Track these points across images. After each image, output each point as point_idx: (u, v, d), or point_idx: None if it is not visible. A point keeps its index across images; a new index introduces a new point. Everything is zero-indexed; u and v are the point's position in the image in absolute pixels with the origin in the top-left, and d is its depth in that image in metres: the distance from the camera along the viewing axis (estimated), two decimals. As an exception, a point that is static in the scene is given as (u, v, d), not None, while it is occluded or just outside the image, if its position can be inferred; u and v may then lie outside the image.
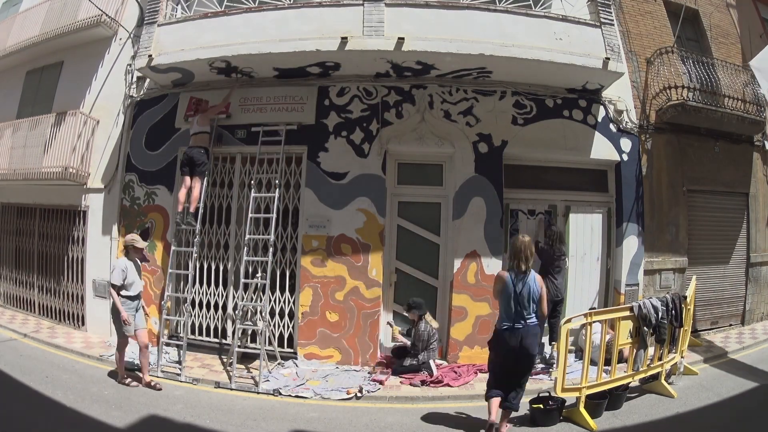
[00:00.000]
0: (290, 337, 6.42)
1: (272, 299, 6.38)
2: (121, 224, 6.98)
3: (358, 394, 5.16)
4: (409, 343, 5.86)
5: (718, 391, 5.26)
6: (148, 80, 7.19)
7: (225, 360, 6.17)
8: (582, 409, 4.44)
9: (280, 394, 5.20)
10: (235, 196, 6.74)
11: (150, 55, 6.33)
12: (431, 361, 5.74)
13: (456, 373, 5.78)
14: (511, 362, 4.07)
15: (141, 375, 5.34)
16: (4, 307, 8.52)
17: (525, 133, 6.58)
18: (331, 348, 6.10)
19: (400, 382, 5.56)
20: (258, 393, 5.24)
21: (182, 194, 6.26)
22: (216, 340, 6.58)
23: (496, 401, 4.11)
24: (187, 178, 6.29)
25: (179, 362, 5.82)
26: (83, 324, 7.33)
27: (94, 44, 7.81)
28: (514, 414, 4.64)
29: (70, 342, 6.66)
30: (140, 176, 7.00)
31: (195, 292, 6.70)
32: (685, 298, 5.52)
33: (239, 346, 5.86)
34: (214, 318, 6.64)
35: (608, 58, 5.99)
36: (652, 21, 7.67)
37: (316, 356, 6.16)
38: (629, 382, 5.00)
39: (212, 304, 6.66)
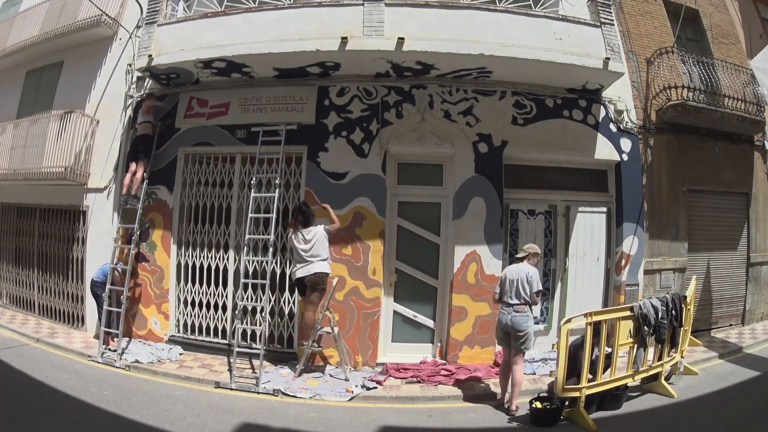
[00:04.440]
0: (290, 337, 6.42)
1: (272, 299, 6.38)
2: (121, 224, 6.96)
3: (351, 396, 5.16)
4: None
5: (717, 390, 5.26)
6: (148, 80, 7.18)
7: (225, 360, 6.17)
8: (582, 409, 4.44)
9: (281, 393, 5.20)
10: (235, 196, 6.74)
11: (150, 55, 6.33)
12: None
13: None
14: None
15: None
16: (4, 307, 8.52)
17: (525, 133, 6.58)
18: (331, 348, 6.10)
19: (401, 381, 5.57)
20: (258, 393, 5.23)
21: (127, 179, 6.68)
22: (216, 340, 6.58)
23: None
24: (133, 164, 6.65)
25: (179, 362, 5.83)
26: (83, 324, 7.33)
27: (94, 44, 7.81)
28: (514, 414, 4.67)
29: (70, 342, 6.67)
30: (140, 176, 7.00)
31: (195, 292, 6.71)
32: (685, 298, 5.52)
33: (239, 346, 5.85)
34: (213, 318, 6.64)
35: (608, 58, 5.98)
36: (652, 21, 7.67)
37: (316, 356, 6.15)
38: (629, 382, 4.99)
39: (212, 304, 6.66)
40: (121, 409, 4.53)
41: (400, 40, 5.66)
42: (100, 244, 7.12)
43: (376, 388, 5.35)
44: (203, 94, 6.88)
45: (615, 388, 4.77)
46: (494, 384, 5.50)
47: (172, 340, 6.63)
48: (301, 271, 5.72)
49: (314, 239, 5.68)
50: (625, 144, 6.90)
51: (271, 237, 6.06)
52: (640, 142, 7.05)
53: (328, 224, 5.86)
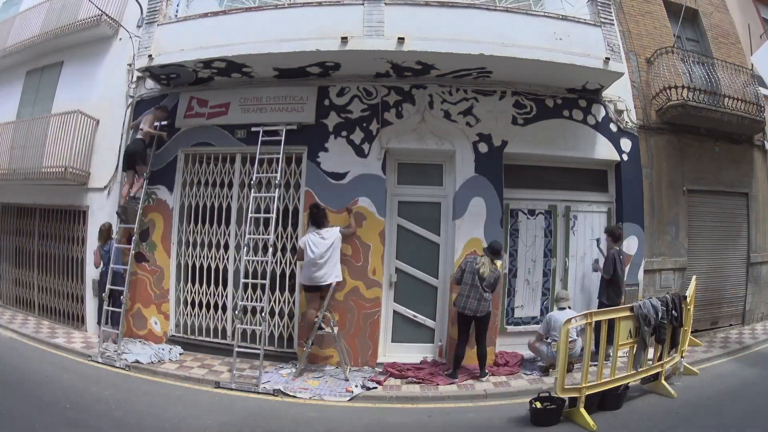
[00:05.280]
0: (290, 337, 6.42)
1: (272, 299, 6.38)
2: (121, 224, 6.96)
3: (351, 396, 5.17)
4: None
5: (717, 390, 5.26)
6: (148, 80, 7.18)
7: (225, 360, 6.16)
8: (582, 409, 4.44)
9: (281, 393, 5.20)
10: (235, 196, 6.73)
11: (150, 55, 6.33)
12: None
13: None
14: None
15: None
16: (4, 307, 8.51)
17: (525, 133, 6.58)
18: (331, 348, 6.10)
19: (401, 382, 5.58)
20: (258, 393, 5.23)
21: (125, 191, 6.73)
22: (216, 340, 6.57)
23: None
24: (129, 173, 6.75)
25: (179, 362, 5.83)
26: (83, 324, 7.33)
27: (95, 44, 7.82)
28: (514, 414, 4.66)
29: (70, 342, 6.66)
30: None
31: (195, 292, 6.71)
32: (685, 297, 5.52)
33: (239, 346, 5.85)
34: (213, 318, 6.64)
35: (608, 58, 5.99)
36: (652, 21, 7.68)
37: (316, 356, 6.16)
38: (629, 382, 4.99)
39: (212, 304, 6.65)
40: (121, 409, 4.53)
41: (400, 40, 5.66)
42: (100, 244, 7.13)
43: (376, 388, 5.36)
44: (203, 94, 6.88)
45: (615, 387, 4.77)
46: (494, 383, 5.50)
47: (172, 340, 6.63)
48: (322, 277, 5.71)
49: (332, 244, 5.74)
50: (625, 144, 6.91)
51: (271, 237, 6.06)
52: (640, 142, 7.05)
53: (345, 228, 5.99)
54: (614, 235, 6.26)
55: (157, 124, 6.78)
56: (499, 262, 5.80)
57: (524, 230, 6.79)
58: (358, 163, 6.40)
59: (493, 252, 5.74)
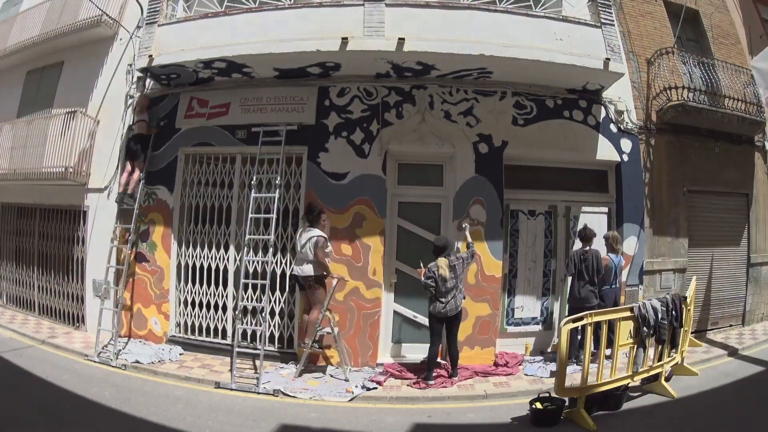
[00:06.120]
0: (290, 337, 6.42)
1: (272, 299, 6.38)
2: (119, 224, 6.96)
3: (352, 397, 5.17)
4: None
5: (717, 390, 5.26)
6: (149, 80, 7.18)
7: (225, 360, 6.16)
8: (582, 409, 4.44)
9: (281, 394, 5.20)
10: (235, 196, 6.73)
11: (150, 56, 6.33)
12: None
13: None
14: None
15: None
16: (4, 307, 8.52)
17: (525, 134, 6.58)
18: (332, 348, 6.09)
19: (408, 385, 5.57)
20: (258, 393, 5.23)
21: (124, 177, 6.77)
22: (216, 340, 6.57)
23: None
24: (128, 163, 6.79)
25: (179, 362, 5.83)
26: (83, 324, 7.33)
27: (95, 44, 7.81)
28: (514, 414, 4.67)
29: (71, 342, 6.66)
30: (140, 176, 7.00)
31: (195, 293, 6.71)
32: (685, 298, 5.52)
33: (239, 346, 5.86)
34: (214, 318, 6.64)
35: (608, 59, 5.99)
36: (652, 21, 7.68)
37: (316, 357, 6.15)
38: (629, 383, 4.99)
39: (212, 304, 6.66)
40: (121, 410, 4.52)
41: (401, 41, 5.66)
42: (100, 244, 7.12)
43: (376, 388, 5.35)
44: (204, 94, 6.88)
45: (615, 388, 4.77)
46: (494, 384, 5.50)
47: (172, 341, 6.63)
48: (296, 268, 5.88)
49: (306, 243, 5.75)
50: (626, 144, 6.91)
51: (271, 237, 6.06)
52: (641, 142, 7.05)
53: (322, 239, 5.77)
54: (581, 237, 6.29)
55: (144, 117, 6.89)
56: (444, 260, 5.54)
57: (524, 231, 6.79)
58: (359, 163, 6.40)
59: (438, 251, 5.60)
